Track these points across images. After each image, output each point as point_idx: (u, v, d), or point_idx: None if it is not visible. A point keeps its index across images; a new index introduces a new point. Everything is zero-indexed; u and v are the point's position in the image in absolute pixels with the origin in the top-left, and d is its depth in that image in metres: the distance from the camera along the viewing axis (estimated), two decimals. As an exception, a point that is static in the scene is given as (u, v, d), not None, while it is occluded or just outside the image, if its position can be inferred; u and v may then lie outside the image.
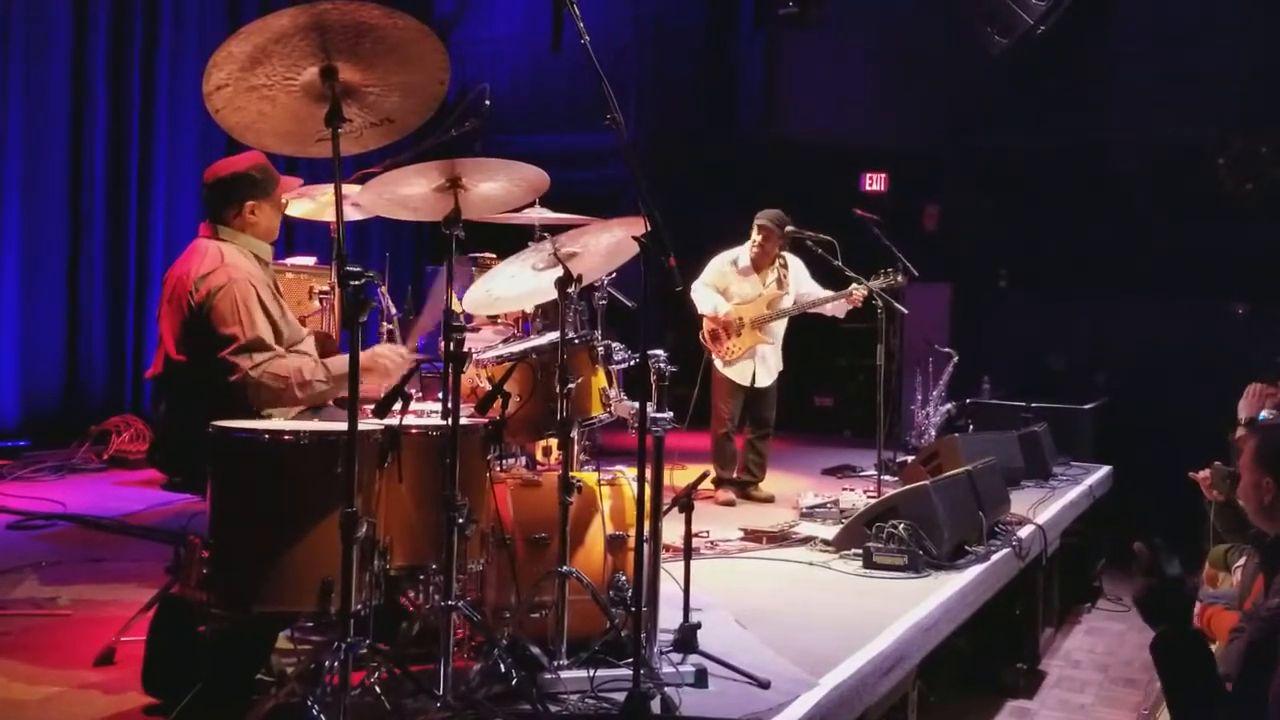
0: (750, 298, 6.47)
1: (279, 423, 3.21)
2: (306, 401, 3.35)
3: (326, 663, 2.65)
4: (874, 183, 10.82)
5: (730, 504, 6.34)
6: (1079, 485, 6.91)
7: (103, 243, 8.17)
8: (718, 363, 6.50)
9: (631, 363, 3.62)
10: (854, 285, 6.34)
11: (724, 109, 11.76)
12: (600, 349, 3.57)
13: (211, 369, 3.24)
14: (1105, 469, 7.61)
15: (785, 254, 6.56)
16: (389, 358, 3.49)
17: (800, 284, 6.58)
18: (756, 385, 6.53)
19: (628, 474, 3.58)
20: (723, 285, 6.51)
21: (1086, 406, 8.39)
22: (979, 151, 10.29)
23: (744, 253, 6.53)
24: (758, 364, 6.51)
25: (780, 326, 6.56)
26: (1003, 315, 10.15)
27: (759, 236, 6.44)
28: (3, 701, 3.07)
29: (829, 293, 6.48)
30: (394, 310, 4.90)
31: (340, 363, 3.35)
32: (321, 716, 2.57)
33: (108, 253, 8.21)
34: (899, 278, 6.35)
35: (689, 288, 6.38)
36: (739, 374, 6.50)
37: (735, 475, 6.54)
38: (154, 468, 3.90)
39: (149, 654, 3.03)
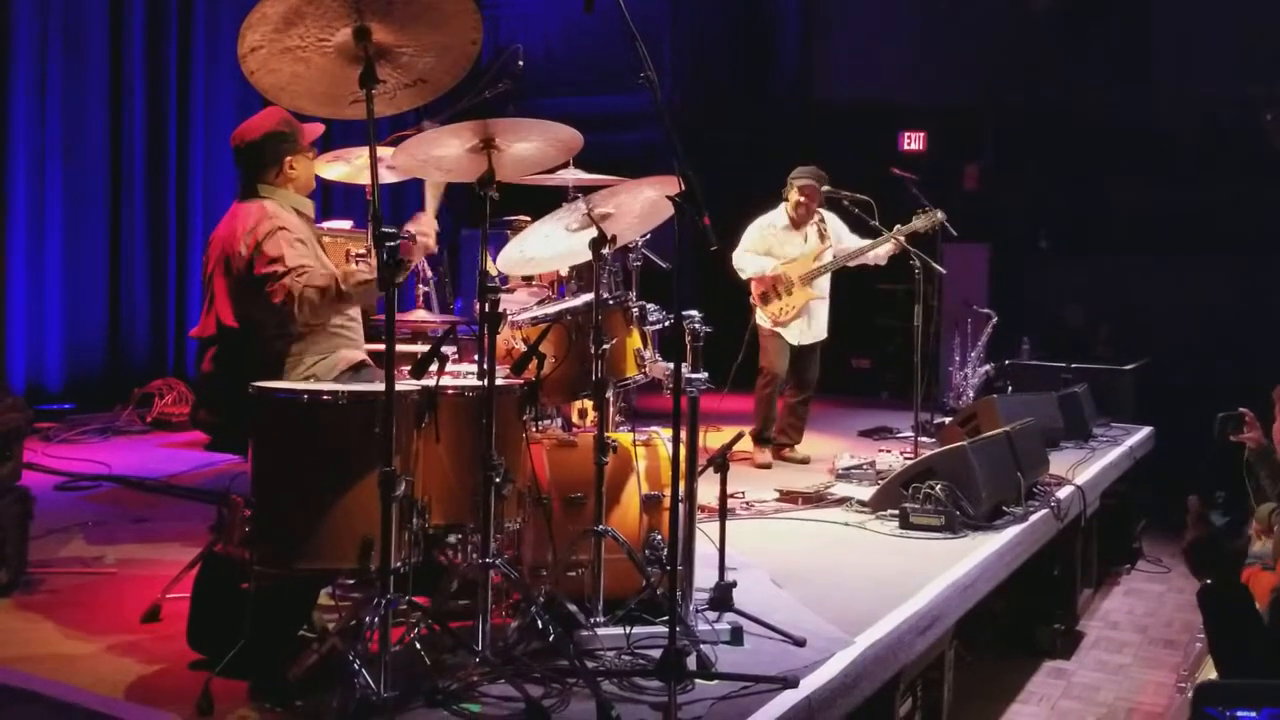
0: (795, 256, 6.41)
1: (318, 384, 3.24)
2: (357, 298, 3.31)
3: (367, 619, 2.69)
4: (912, 141, 10.70)
5: (767, 467, 6.34)
6: (1119, 446, 6.85)
7: (143, 208, 8.26)
8: (765, 322, 6.43)
9: (666, 324, 3.61)
10: (898, 226, 6.30)
11: (759, 67, 11.65)
12: (635, 310, 3.57)
13: (265, 323, 3.27)
14: (1146, 430, 7.53)
15: (821, 210, 6.52)
16: (423, 230, 3.45)
17: (840, 238, 6.54)
18: (806, 342, 6.50)
19: (663, 434, 3.59)
20: (764, 248, 6.44)
21: (1127, 367, 8.31)
22: (1019, 110, 10.15)
23: (780, 214, 6.49)
24: (809, 321, 6.47)
25: (827, 282, 6.52)
26: (1043, 276, 10.04)
27: (802, 197, 6.38)
28: (54, 655, 3.14)
29: (868, 241, 6.43)
30: (430, 273, 4.93)
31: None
32: (363, 671, 2.61)
33: (148, 218, 8.31)
34: (938, 214, 6.28)
35: (728, 250, 6.34)
36: (791, 333, 6.45)
37: (773, 435, 6.53)
38: (197, 429, 3.95)
39: (194, 611, 3.09)
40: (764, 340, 6.49)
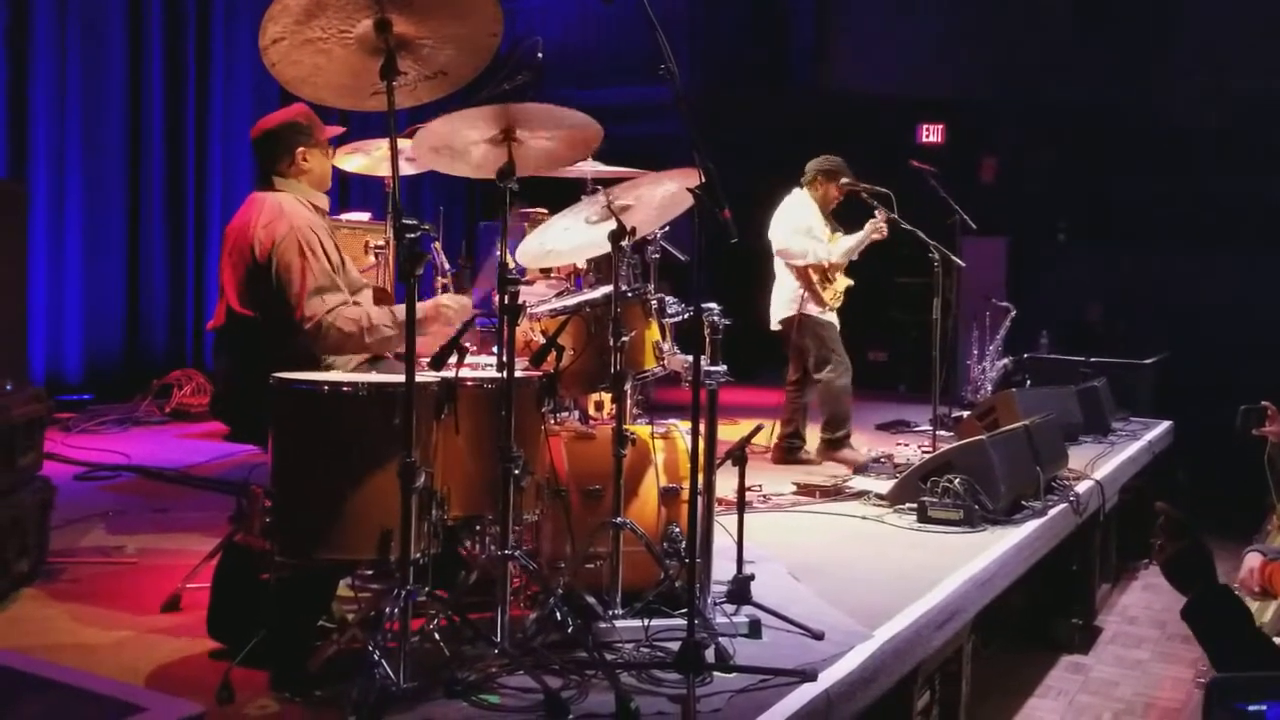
0: (826, 241, 6.42)
1: (338, 375, 3.25)
2: (373, 348, 3.38)
3: (386, 610, 2.70)
4: (930, 134, 10.67)
5: (864, 468, 5.99)
6: (1138, 440, 6.82)
7: (162, 198, 8.30)
8: (816, 311, 6.29)
9: (685, 316, 3.61)
10: (869, 224, 6.34)
11: (776, 59, 11.62)
12: (653, 302, 3.56)
13: (277, 319, 3.28)
14: (1165, 424, 7.50)
15: None
16: (451, 307, 3.50)
17: None
18: None
19: (681, 427, 3.59)
20: (809, 231, 6.34)
21: (1147, 361, 8.26)
22: (1039, 103, 10.09)
23: (808, 198, 6.40)
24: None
25: None
26: (1061, 269, 10.00)
27: (841, 195, 6.35)
28: (75, 645, 3.16)
29: (858, 235, 6.42)
30: (448, 265, 4.92)
31: (404, 310, 3.37)
32: (382, 662, 2.62)
33: (167, 208, 8.35)
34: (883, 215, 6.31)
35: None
36: (835, 320, 6.41)
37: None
38: (217, 419, 3.97)
39: (214, 601, 3.10)
40: (822, 331, 6.31)
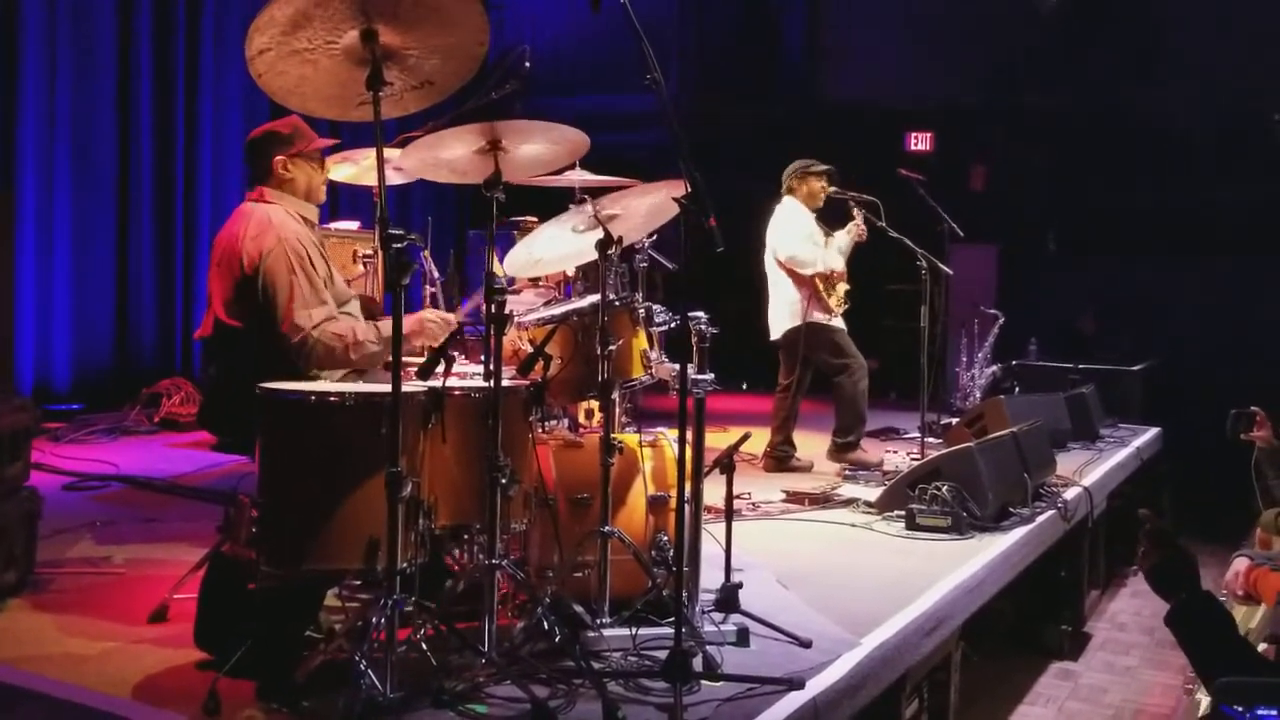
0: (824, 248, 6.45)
1: (325, 385, 3.25)
2: (358, 363, 3.38)
3: (373, 620, 2.70)
4: (919, 142, 10.70)
5: (880, 464, 6.09)
6: (1127, 447, 6.84)
7: (151, 208, 8.29)
8: (824, 318, 6.32)
9: (672, 325, 3.61)
10: (850, 224, 6.42)
11: (766, 68, 11.65)
12: (641, 311, 3.57)
13: (264, 331, 3.28)
14: (1154, 431, 7.52)
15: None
16: (434, 323, 3.51)
17: None
18: None
19: (669, 435, 3.59)
20: (810, 236, 6.40)
21: (1136, 368, 8.29)
22: (1028, 111, 10.13)
23: (800, 204, 6.43)
24: None
25: None
26: (1051, 277, 10.03)
27: (823, 185, 6.39)
28: (62, 655, 3.14)
29: (843, 234, 6.49)
30: (436, 274, 4.93)
31: (390, 325, 3.37)
32: (369, 672, 2.62)
33: (156, 218, 8.33)
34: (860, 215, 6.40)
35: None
36: (841, 325, 6.44)
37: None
38: (204, 429, 3.96)
39: (201, 611, 3.09)
40: (833, 337, 6.34)
